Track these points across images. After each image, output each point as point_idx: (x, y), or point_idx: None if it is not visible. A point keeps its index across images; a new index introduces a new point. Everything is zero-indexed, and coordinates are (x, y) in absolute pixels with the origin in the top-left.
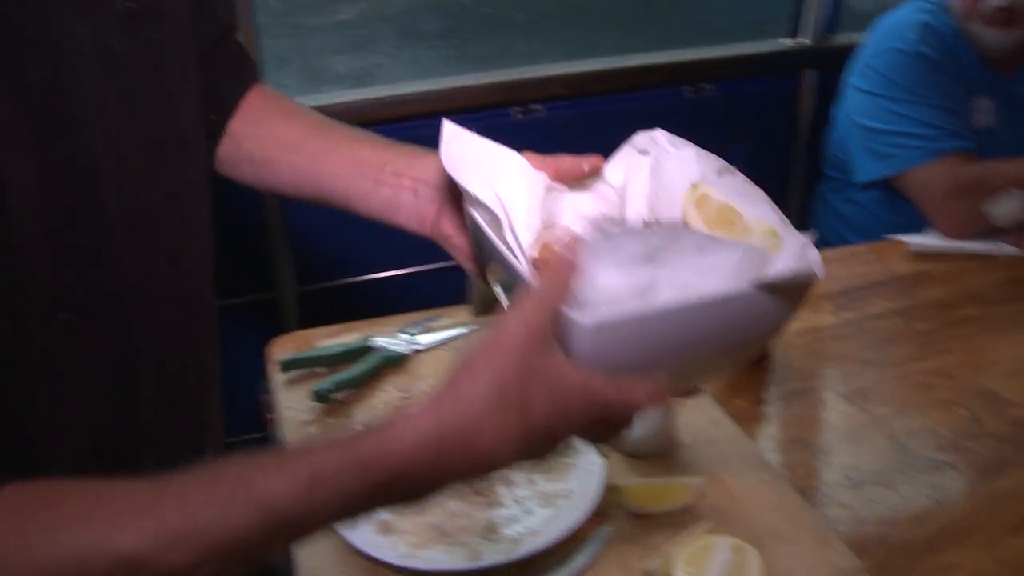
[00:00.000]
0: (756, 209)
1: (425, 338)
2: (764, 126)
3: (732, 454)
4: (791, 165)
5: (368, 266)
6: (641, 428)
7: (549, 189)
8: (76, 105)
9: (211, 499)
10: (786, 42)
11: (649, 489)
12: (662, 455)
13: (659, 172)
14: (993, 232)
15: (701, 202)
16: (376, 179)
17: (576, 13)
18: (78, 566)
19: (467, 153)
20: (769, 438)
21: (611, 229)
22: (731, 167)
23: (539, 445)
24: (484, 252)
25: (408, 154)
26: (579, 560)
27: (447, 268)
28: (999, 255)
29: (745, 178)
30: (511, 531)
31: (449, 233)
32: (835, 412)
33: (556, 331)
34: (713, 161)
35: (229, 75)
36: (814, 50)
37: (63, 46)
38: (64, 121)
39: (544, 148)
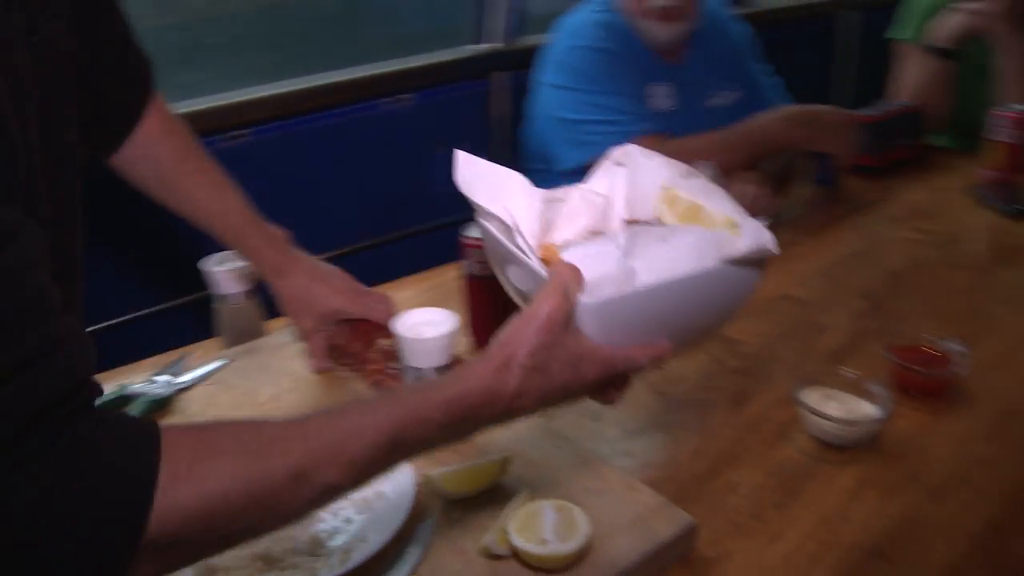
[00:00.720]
0: (717, 204)
1: (185, 376)
2: (461, 129)
3: (521, 430)
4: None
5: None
6: None
7: (546, 201)
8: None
9: (343, 428)
10: (475, 48)
11: (461, 473)
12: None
13: (634, 179)
14: None
15: (671, 201)
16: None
17: (268, 37)
18: (262, 480)
19: (478, 175)
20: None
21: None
22: (694, 171)
23: (557, 401)
24: (496, 258)
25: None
26: (412, 554)
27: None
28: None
29: (706, 180)
30: (338, 543)
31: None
32: None
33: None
34: (678, 167)
35: (129, 85)
36: (502, 53)
37: None
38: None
39: (253, 172)
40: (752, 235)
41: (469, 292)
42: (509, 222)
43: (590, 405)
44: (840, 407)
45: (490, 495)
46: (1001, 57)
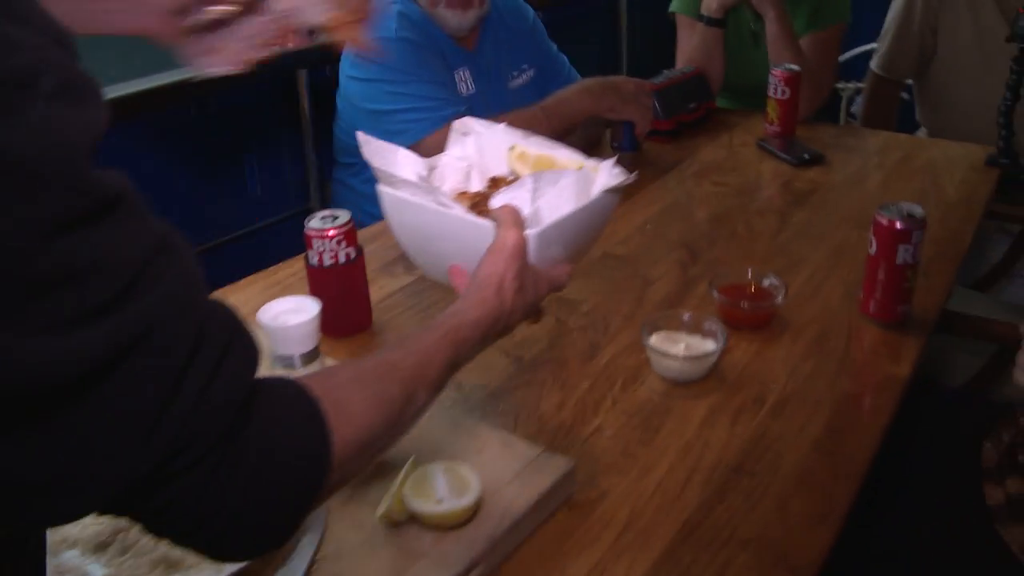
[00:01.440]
0: (562, 153)
1: None
2: (270, 130)
3: None
4: (303, 159)
5: None
6: None
7: (427, 168)
8: None
9: (420, 354)
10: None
11: None
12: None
13: (482, 144)
14: None
15: (521, 158)
16: None
17: None
18: (389, 404)
19: (375, 151)
20: None
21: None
22: (530, 132)
23: (526, 315)
24: (402, 220)
25: None
26: (309, 542)
27: None
28: None
29: (543, 137)
30: None
31: None
32: None
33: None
34: (516, 131)
35: None
36: (303, 51)
37: None
38: None
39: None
40: (613, 170)
41: (314, 283)
42: (423, 185)
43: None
44: (682, 347)
45: (377, 468)
46: (765, 23)
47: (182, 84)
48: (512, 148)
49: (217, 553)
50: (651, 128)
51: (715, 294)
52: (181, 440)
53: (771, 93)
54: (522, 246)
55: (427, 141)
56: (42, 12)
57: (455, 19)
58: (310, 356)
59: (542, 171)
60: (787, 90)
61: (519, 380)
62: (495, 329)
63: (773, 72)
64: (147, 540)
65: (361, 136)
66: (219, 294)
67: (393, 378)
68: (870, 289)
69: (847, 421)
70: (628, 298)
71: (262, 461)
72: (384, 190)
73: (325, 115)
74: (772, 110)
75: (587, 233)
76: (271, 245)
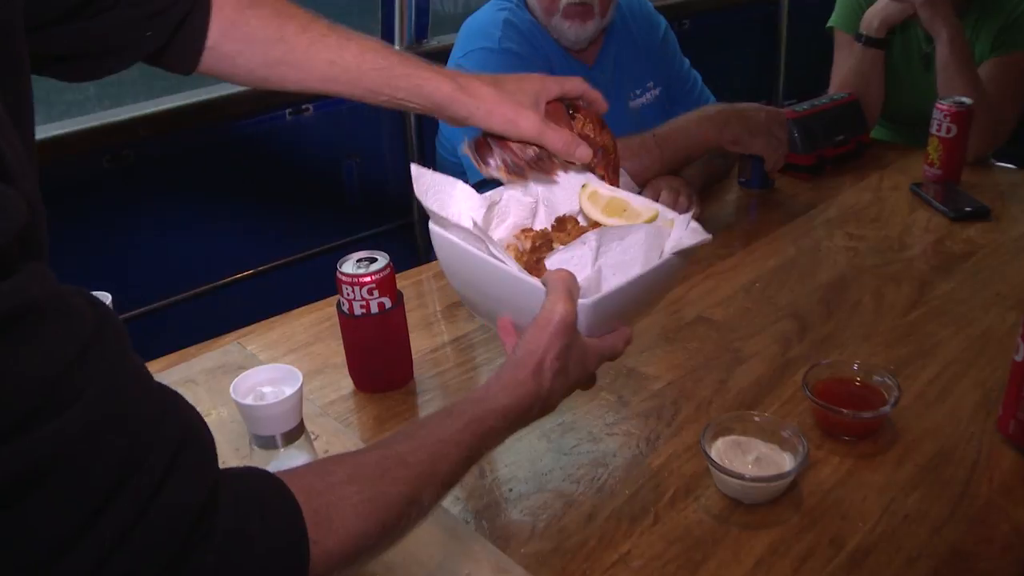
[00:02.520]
0: (636, 199)
1: None
2: (371, 139)
3: None
4: (403, 174)
5: None
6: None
7: (487, 204)
8: None
9: (430, 449)
10: None
11: None
12: None
13: (555, 179)
14: None
15: (592, 198)
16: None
17: None
18: (387, 509)
19: (430, 185)
20: None
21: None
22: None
23: (568, 394)
24: (453, 264)
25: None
26: None
27: None
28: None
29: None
30: None
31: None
32: None
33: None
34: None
35: None
36: None
37: None
38: None
39: (142, 192)
40: (690, 227)
41: (346, 331)
42: (477, 232)
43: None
44: (751, 458)
45: None
46: (936, 44)
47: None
48: (584, 186)
49: None
50: (788, 162)
51: (808, 393)
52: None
53: (934, 130)
54: (570, 322)
55: None
56: None
57: (573, 31)
58: (293, 435)
59: (607, 228)
60: (953, 128)
61: (548, 476)
62: (528, 416)
63: (938, 105)
64: None
65: (415, 169)
66: (271, 321)
67: (396, 477)
68: (1013, 404)
69: None
70: (710, 379)
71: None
72: (436, 231)
73: (433, 126)
74: (933, 150)
75: (650, 297)
76: None
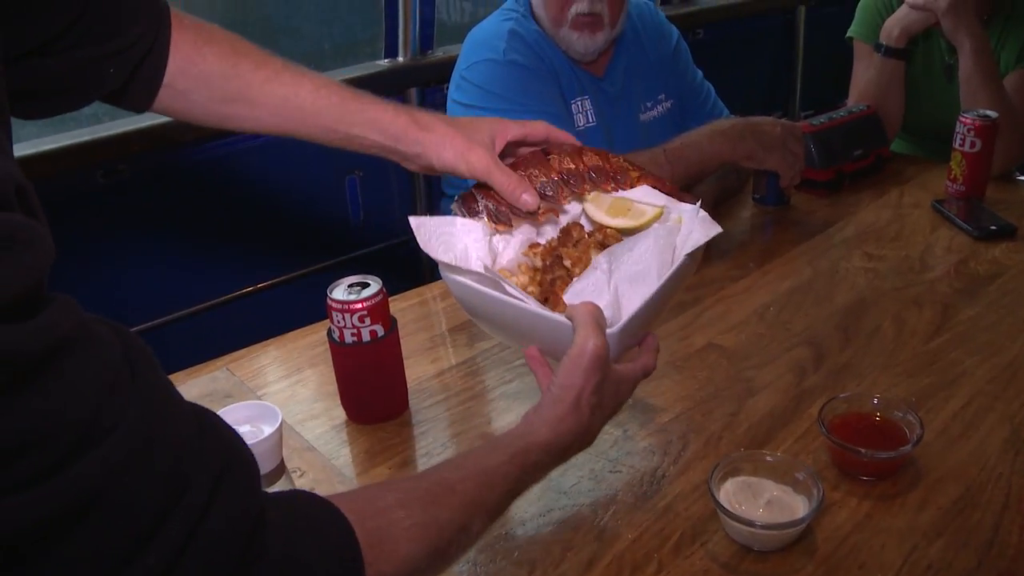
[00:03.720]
0: (641, 196)
1: None
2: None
3: None
4: (412, 187)
5: None
6: None
7: (487, 234)
8: None
9: (477, 480)
10: (383, 63)
11: None
12: None
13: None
14: None
15: (595, 200)
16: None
17: None
18: (438, 535)
19: (431, 232)
20: None
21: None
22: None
23: (602, 423)
24: (472, 304)
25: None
26: None
27: None
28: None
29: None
30: None
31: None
32: None
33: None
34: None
35: (132, 21)
36: (412, 68)
37: None
38: None
39: (133, 209)
40: (699, 221)
41: (337, 359)
42: (490, 275)
43: None
44: (763, 501)
45: None
46: (959, 55)
47: None
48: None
49: None
50: (804, 178)
51: (823, 431)
52: None
53: (957, 144)
54: (603, 355)
55: None
56: None
57: (581, 43)
58: (273, 475)
59: (615, 246)
60: (978, 142)
61: (546, 518)
62: (569, 452)
63: (962, 119)
64: None
65: (414, 221)
66: (261, 346)
67: (448, 504)
68: None
69: None
70: (721, 411)
71: None
72: (448, 278)
73: None
74: (956, 165)
75: (670, 301)
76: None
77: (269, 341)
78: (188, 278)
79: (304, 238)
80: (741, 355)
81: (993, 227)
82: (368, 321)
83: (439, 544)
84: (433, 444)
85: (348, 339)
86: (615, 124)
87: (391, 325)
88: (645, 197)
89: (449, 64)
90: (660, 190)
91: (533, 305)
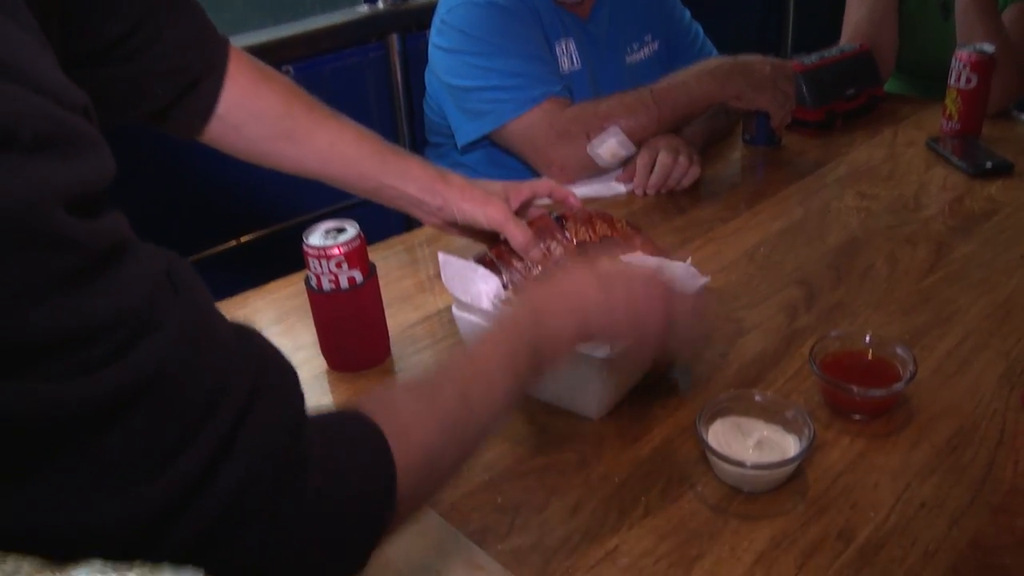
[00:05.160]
0: (636, 261)
1: None
2: (358, 100)
3: None
4: (396, 138)
5: None
6: None
7: (501, 288)
8: None
9: (464, 363)
10: (364, 9)
11: None
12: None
13: None
14: (601, 172)
15: None
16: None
17: None
18: (443, 411)
19: (455, 272)
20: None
21: None
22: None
23: (634, 317)
24: None
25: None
26: None
27: None
28: (611, 196)
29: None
30: None
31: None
32: None
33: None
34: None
35: (197, 46)
36: (393, 14)
37: None
38: None
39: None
40: (688, 277)
41: (315, 307)
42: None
43: None
44: (752, 442)
45: None
46: None
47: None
48: None
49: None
50: (795, 118)
51: (814, 368)
52: (221, 492)
53: (952, 81)
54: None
55: (512, 125)
56: (30, 60)
57: None
58: None
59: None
60: (974, 78)
61: (529, 463)
62: (588, 327)
63: (958, 54)
64: None
65: (442, 257)
66: (256, 293)
67: (440, 378)
68: None
69: None
70: (710, 352)
71: (324, 507)
72: (461, 316)
73: (421, 92)
74: (952, 102)
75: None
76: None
77: (249, 293)
78: (168, 233)
79: (286, 189)
80: (731, 295)
81: (989, 164)
82: (346, 267)
83: (445, 421)
84: None
85: (326, 286)
86: (600, 67)
87: (370, 271)
88: (639, 261)
89: (430, 9)
90: (652, 253)
91: None
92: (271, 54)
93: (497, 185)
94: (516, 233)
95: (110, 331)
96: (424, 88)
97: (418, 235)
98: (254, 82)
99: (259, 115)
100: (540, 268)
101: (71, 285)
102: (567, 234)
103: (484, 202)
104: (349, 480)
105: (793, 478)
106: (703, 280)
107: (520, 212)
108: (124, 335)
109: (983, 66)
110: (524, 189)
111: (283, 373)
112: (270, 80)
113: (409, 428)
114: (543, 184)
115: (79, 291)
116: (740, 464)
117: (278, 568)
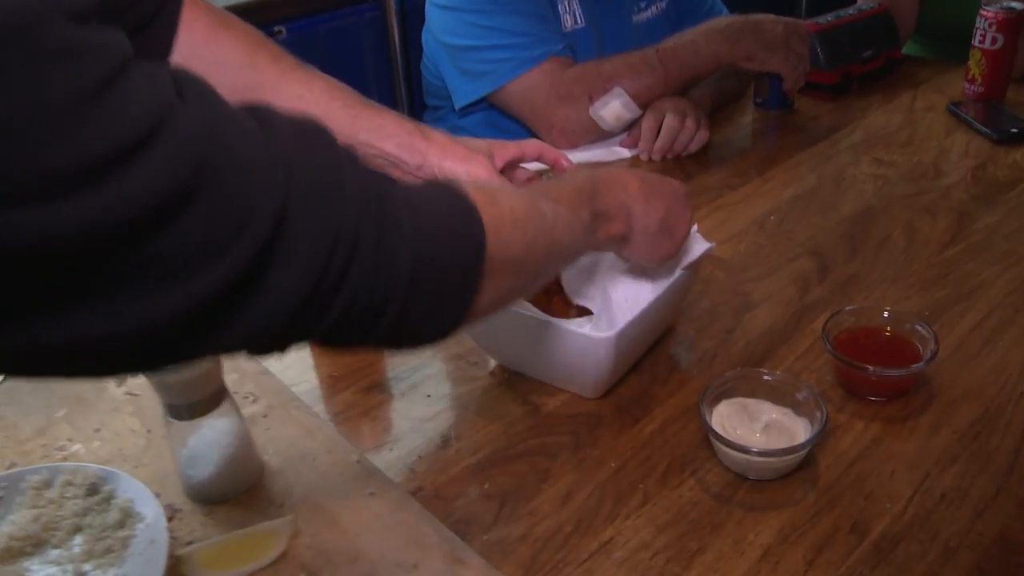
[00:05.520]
0: None
1: None
2: (354, 62)
3: (331, 468)
4: (394, 101)
5: None
6: (206, 464)
7: None
8: None
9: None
10: None
11: (225, 548)
12: (246, 492)
13: None
14: (604, 136)
15: None
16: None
17: None
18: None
19: None
20: (383, 432)
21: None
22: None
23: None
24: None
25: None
26: None
27: None
28: (615, 161)
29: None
30: None
31: None
32: (473, 385)
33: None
34: None
35: None
36: None
37: None
38: None
39: None
40: (693, 240)
41: None
42: None
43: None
44: (760, 425)
45: (268, 572)
46: None
47: (256, 4)
48: None
49: (396, 341)
50: (809, 81)
51: (827, 346)
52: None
53: (977, 41)
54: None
55: (512, 86)
56: None
57: None
58: (209, 404)
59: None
60: (1000, 37)
61: (519, 446)
62: (630, 223)
63: (983, 12)
64: None
65: None
66: None
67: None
68: None
69: None
70: (715, 327)
71: (418, 244)
72: None
73: (420, 49)
74: (975, 64)
75: (669, 312)
76: None
77: None
78: None
79: None
80: (739, 267)
81: (1014, 130)
82: None
83: (530, 202)
84: (402, 367)
85: None
86: (605, 26)
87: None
88: None
89: None
90: None
91: (536, 313)
92: (261, 13)
93: (481, 143)
94: None
95: (141, 122)
96: (422, 49)
97: None
98: (212, 28)
99: (219, 64)
100: (549, 180)
101: (95, 96)
102: None
103: (466, 159)
104: (439, 224)
105: (803, 465)
106: (708, 246)
107: (506, 172)
108: (153, 121)
109: (1011, 25)
110: (511, 148)
111: (316, 146)
112: (230, 27)
113: (497, 195)
114: (532, 144)
115: (104, 95)
116: (746, 450)
117: (380, 321)
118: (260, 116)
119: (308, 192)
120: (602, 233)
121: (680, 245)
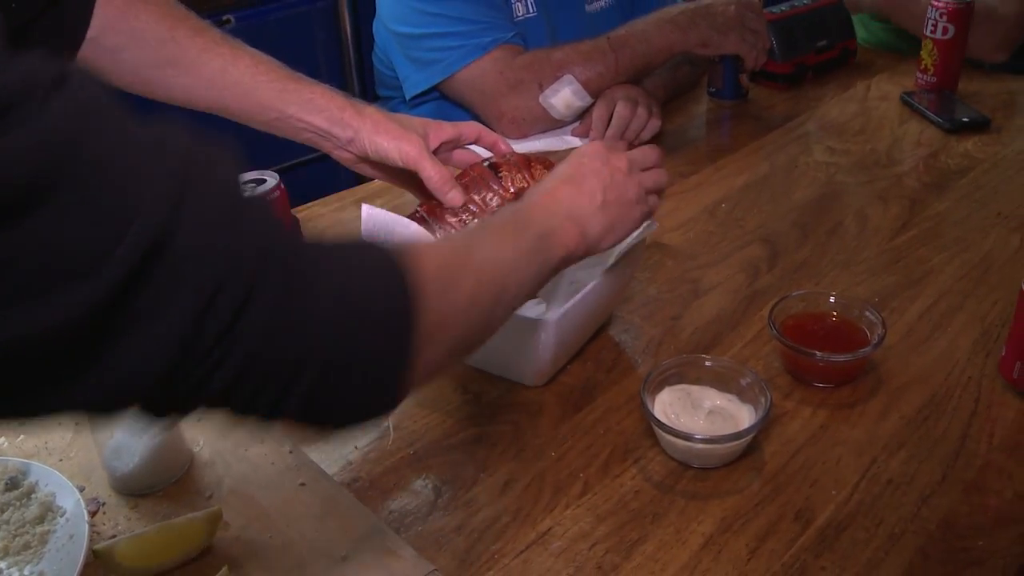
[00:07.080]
0: None
1: None
2: (305, 52)
3: (263, 459)
4: (346, 92)
5: None
6: (130, 455)
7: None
8: None
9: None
10: None
11: (147, 541)
12: (174, 484)
13: None
14: (555, 125)
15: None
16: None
17: None
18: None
19: (379, 226)
20: None
21: None
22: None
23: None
24: None
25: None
26: None
27: None
28: (566, 150)
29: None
30: None
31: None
32: None
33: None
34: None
35: None
36: None
37: None
38: None
39: None
40: None
41: None
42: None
43: None
44: (704, 412)
45: (193, 566)
46: None
47: None
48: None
49: (323, 417)
50: (764, 71)
51: (774, 331)
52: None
53: (928, 31)
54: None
55: (461, 75)
56: None
57: None
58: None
59: None
60: (951, 28)
61: (458, 435)
62: (586, 232)
63: (934, 2)
64: None
65: (365, 210)
66: None
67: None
68: (1019, 342)
69: (944, 572)
70: (661, 315)
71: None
72: None
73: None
74: (927, 54)
75: (611, 300)
76: (304, 185)
77: None
78: None
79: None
80: (687, 254)
81: (965, 119)
82: None
83: (456, 247)
84: None
85: None
86: (558, 16)
87: (292, 225)
88: None
89: None
90: None
91: None
92: (209, 1)
93: (417, 121)
94: (431, 171)
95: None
96: (374, 39)
97: (356, 192)
98: (129, 2)
99: (136, 38)
100: (476, 223)
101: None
102: (503, 183)
103: (398, 136)
104: (360, 285)
105: (748, 453)
106: (648, 225)
107: (441, 153)
108: (38, 96)
109: (961, 15)
110: (447, 128)
111: (213, 164)
112: (148, 1)
113: (422, 250)
114: (470, 126)
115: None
116: (688, 437)
117: (292, 392)
118: (162, 131)
119: (199, 217)
120: (558, 250)
121: (640, 193)
